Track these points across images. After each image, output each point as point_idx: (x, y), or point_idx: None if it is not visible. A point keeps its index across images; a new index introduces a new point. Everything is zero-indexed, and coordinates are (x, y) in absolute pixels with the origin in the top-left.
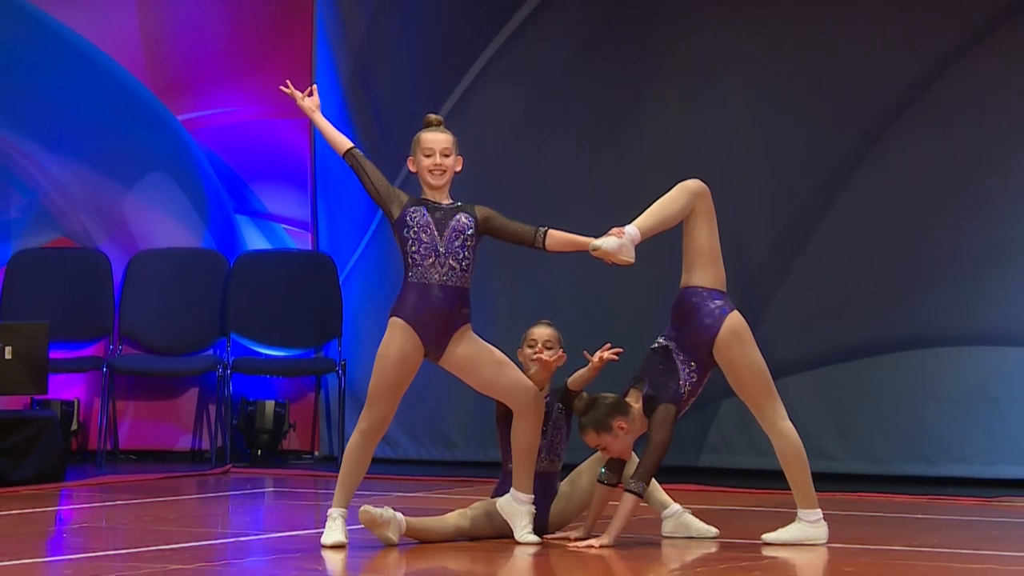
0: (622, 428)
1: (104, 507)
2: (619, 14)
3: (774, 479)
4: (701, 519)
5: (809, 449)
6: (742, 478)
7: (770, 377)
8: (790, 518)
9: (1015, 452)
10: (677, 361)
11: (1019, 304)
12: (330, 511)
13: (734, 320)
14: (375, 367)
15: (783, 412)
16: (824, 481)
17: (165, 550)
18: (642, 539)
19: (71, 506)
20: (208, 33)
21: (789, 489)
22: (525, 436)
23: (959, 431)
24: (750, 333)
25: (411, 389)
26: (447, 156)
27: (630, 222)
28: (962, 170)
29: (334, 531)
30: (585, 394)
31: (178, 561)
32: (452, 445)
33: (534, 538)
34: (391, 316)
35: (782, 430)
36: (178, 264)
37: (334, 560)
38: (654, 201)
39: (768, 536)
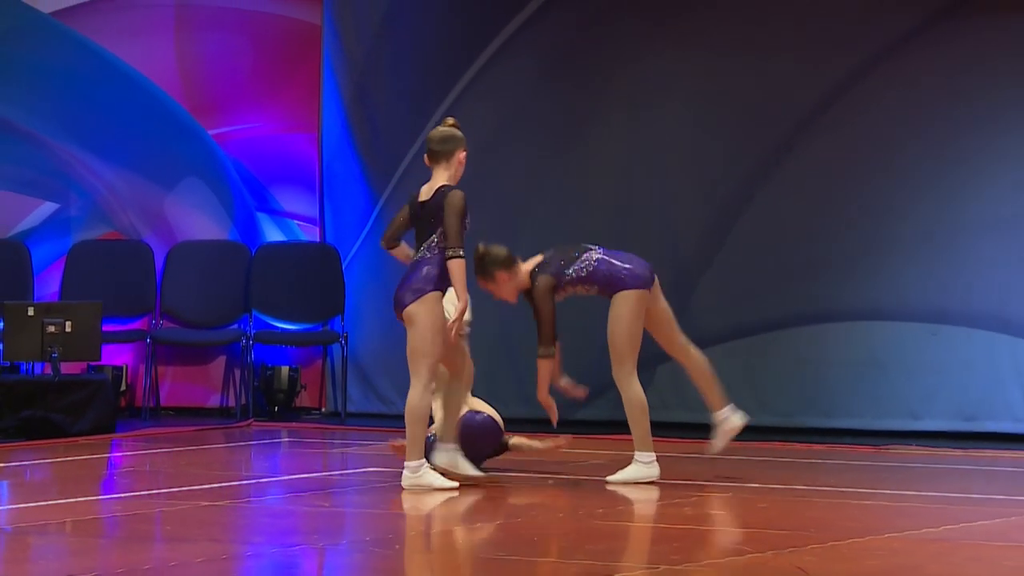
0: (504, 278)
1: (147, 454)
2: (575, 45)
3: (703, 430)
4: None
5: None
6: (676, 430)
7: (638, 345)
8: (715, 461)
9: (899, 408)
10: (586, 261)
11: (899, 285)
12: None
13: (642, 293)
14: (436, 334)
15: (634, 371)
16: (741, 432)
17: (198, 490)
18: (592, 481)
19: (120, 453)
20: (234, 61)
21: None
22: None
23: (852, 390)
24: (644, 310)
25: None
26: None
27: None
28: (855, 174)
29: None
30: (481, 246)
31: (209, 499)
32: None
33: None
34: (435, 291)
35: (631, 384)
36: (209, 253)
37: (342, 498)
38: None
39: (611, 477)
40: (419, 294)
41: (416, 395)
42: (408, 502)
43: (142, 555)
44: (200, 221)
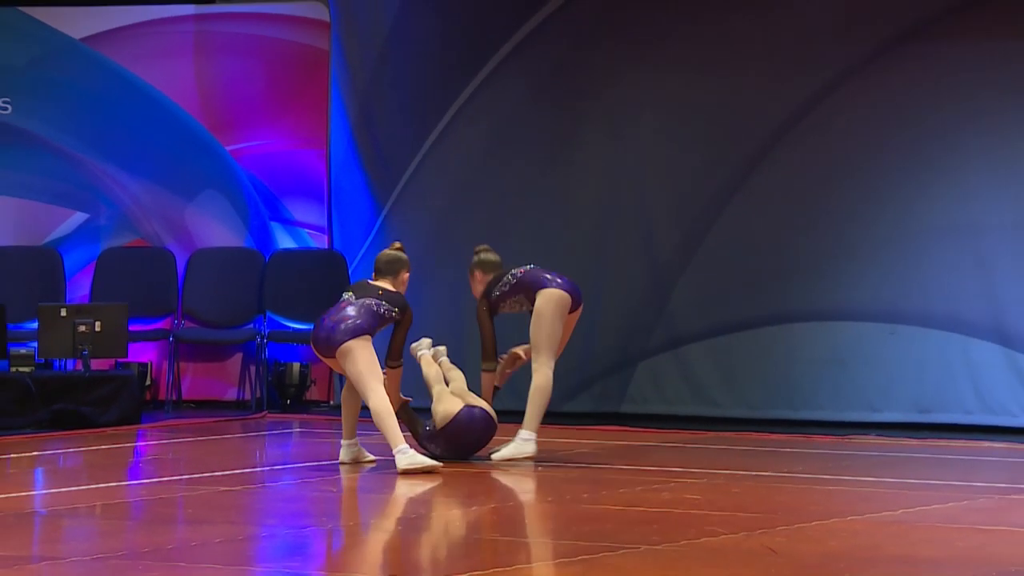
0: (478, 278)
1: (170, 443)
2: (562, 68)
3: (679, 421)
4: (625, 454)
5: (701, 399)
6: (655, 421)
7: (557, 339)
8: (690, 451)
9: (859, 401)
10: (511, 277)
11: (859, 288)
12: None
13: (563, 295)
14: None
15: (551, 363)
16: (714, 423)
17: (216, 476)
18: (578, 468)
19: (145, 442)
20: (248, 83)
21: (688, 429)
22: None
23: (816, 385)
24: (565, 311)
25: (406, 352)
26: None
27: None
28: (820, 186)
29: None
30: (483, 246)
31: (226, 484)
32: None
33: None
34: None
35: (544, 372)
36: (226, 259)
37: (348, 479)
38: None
39: (495, 455)
40: (355, 334)
41: (374, 401)
42: (408, 487)
43: (166, 536)
44: (218, 230)
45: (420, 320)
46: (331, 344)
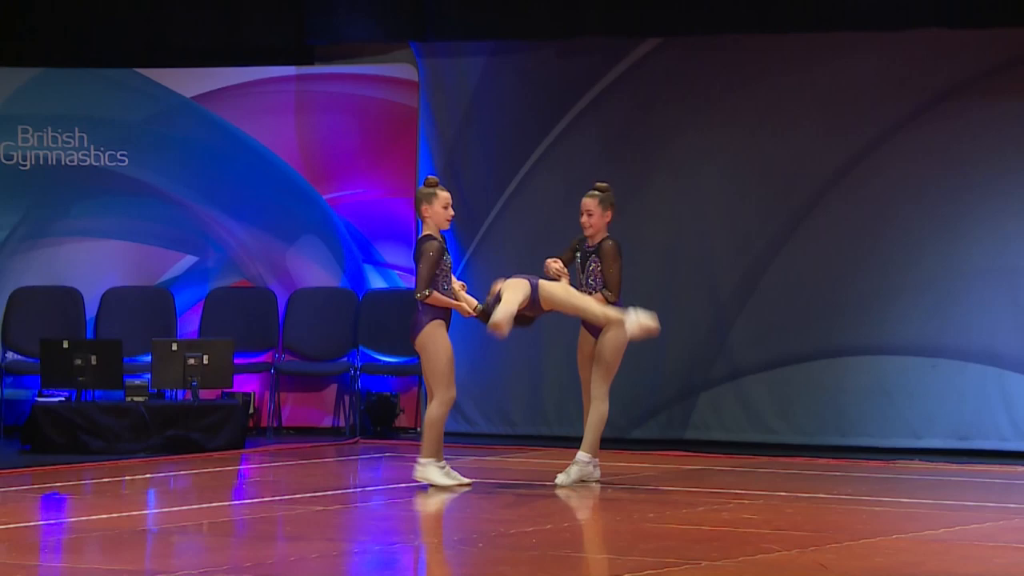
0: (606, 217)
1: (271, 466)
2: (630, 124)
3: (737, 447)
4: (688, 477)
5: (758, 426)
6: (715, 447)
7: (615, 369)
8: (747, 474)
9: (903, 428)
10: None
11: (904, 325)
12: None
13: (622, 329)
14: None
15: (607, 391)
16: (769, 449)
17: (313, 496)
18: (645, 490)
19: (248, 466)
20: (344, 137)
21: (746, 455)
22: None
23: (864, 413)
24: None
25: (488, 383)
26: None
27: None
28: (869, 230)
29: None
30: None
31: (322, 504)
32: (513, 423)
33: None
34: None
35: (602, 400)
36: (323, 298)
37: (432, 501)
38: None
39: (559, 479)
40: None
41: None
42: (489, 506)
43: (267, 552)
44: (316, 271)
45: (496, 357)
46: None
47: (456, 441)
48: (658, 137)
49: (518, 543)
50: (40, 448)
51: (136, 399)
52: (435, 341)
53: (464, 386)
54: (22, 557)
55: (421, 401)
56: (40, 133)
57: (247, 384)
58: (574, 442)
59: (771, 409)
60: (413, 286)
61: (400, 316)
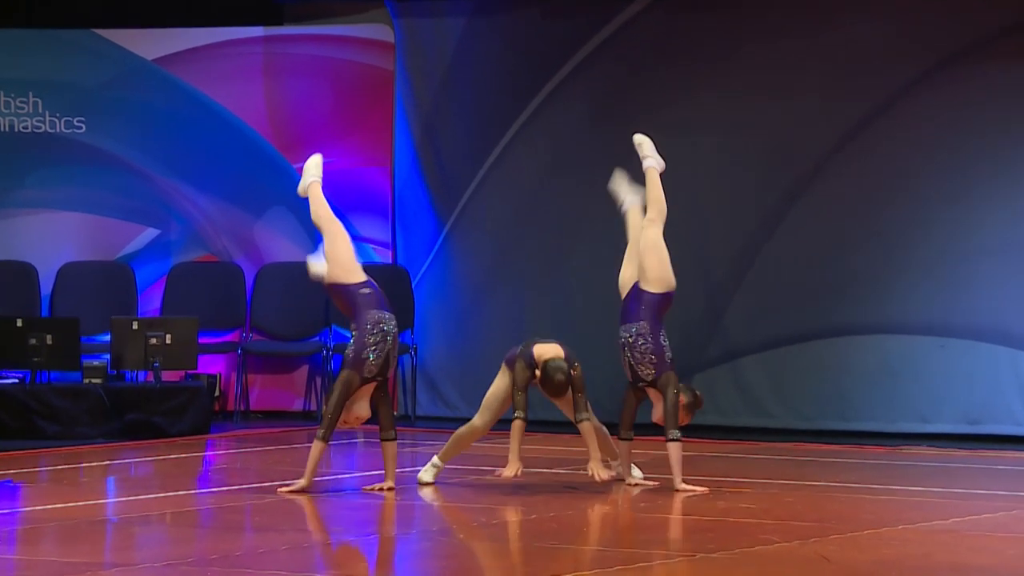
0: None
1: (238, 453)
2: (620, 87)
3: (733, 432)
4: (684, 464)
5: (755, 410)
6: (710, 432)
7: None
8: (744, 461)
9: (910, 412)
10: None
11: (910, 303)
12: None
13: None
14: None
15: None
16: (767, 434)
17: (283, 484)
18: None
19: (214, 452)
20: (315, 103)
21: (743, 440)
22: None
23: (868, 396)
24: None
25: (468, 365)
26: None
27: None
28: (872, 204)
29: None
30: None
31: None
32: None
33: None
34: None
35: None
36: (293, 274)
37: (409, 490)
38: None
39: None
40: None
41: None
42: (469, 496)
43: (234, 543)
44: (285, 245)
45: (477, 337)
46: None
47: (436, 426)
48: (648, 103)
49: (500, 534)
50: None
51: (94, 381)
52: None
53: (443, 368)
54: None
55: (397, 384)
56: None
57: (212, 365)
58: (555, 427)
59: (769, 392)
60: (390, 261)
61: None
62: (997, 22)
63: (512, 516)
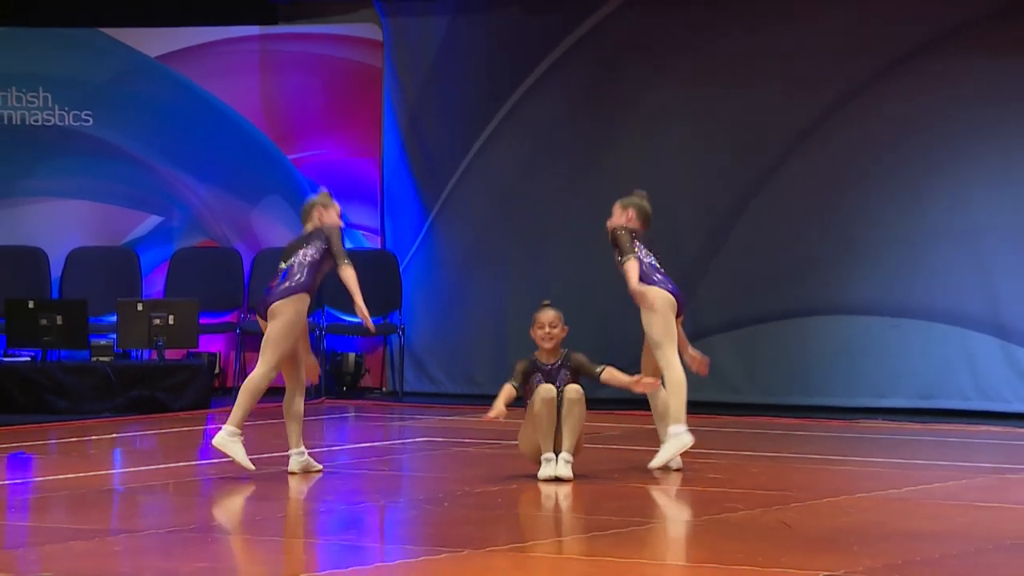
0: (626, 216)
1: None
2: (596, 81)
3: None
4: (652, 438)
5: (723, 385)
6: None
7: (674, 332)
8: (712, 434)
9: (867, 388)
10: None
11: (867, 285)
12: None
13: (670, 297)
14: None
15: (676, 354)
16: (734, 408)
17: (279, 456)
18: (608, 449)
19: (214, 426)
20: (308, 97)
21: (711, 414)
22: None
23: (828, 373)
24: (674, 311)
25: (453, 344)
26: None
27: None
28: (833, 190)
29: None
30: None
31: (288, 464)
32: (477, 383)
33: None
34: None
35: (673, 366)
36: None
37: (396, 461)
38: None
39: (653, 464)
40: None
41: (257, 374)
42: (454, 466)
43: (233, 511)
44: (280, 231)
45: (461, 318)
46: (264, 305)
47: (421, 401)
48: (624, 95)
49: (483, 502)
50: (5, 408)
51: (101, 359)
52: (299, 313)
53: (429, 346)
54: None
55: (386, 362)
56: (4, 93)
57: (212, 344)
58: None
59: (736, 369)
60: (379, 246)
61: (365, 277)
62: (957, 16)
63: (495, 486)
